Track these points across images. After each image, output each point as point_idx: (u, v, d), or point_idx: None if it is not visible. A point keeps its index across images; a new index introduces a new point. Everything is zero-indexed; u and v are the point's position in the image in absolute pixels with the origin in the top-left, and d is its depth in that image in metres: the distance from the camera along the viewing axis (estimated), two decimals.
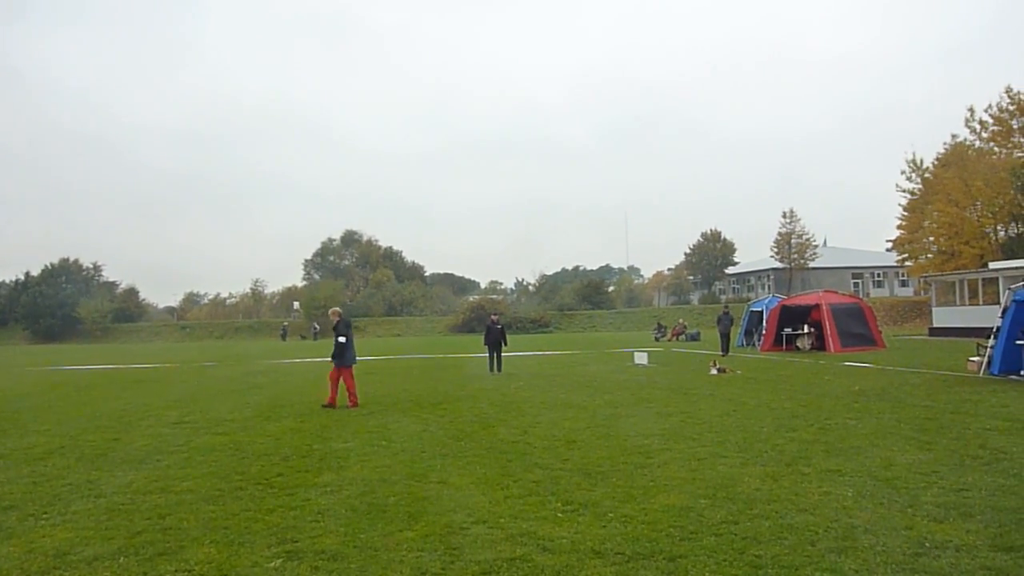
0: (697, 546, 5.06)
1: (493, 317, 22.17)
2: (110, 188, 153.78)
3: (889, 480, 6.82)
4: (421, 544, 5.26)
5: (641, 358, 22.72)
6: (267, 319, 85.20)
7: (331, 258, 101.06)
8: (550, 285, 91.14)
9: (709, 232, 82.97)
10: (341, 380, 13.48)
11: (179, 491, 7.02)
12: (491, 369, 20.68)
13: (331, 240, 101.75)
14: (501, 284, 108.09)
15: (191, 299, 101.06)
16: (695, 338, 40.52)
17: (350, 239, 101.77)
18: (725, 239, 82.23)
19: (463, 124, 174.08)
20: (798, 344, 27.85)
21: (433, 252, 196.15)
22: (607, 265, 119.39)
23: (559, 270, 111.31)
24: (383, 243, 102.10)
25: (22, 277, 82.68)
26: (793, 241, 68.50)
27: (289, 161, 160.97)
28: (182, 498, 6.73)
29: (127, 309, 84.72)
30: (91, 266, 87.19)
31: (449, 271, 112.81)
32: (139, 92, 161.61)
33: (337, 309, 14.74)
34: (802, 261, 68.22)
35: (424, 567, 4.79)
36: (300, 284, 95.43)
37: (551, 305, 79.05)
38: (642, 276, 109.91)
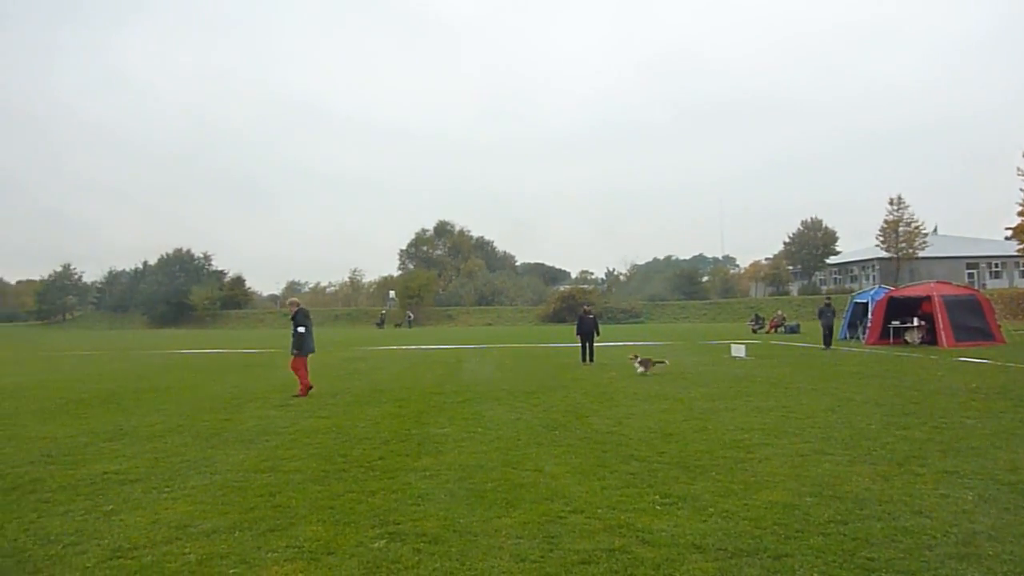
0: (803, 545, 4.90)
1: (585, 307, 22.09)
2: (216, 183, 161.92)
3: (1014, 484, 6.40)
4: (519, 531, 5.30)
5: (738, 350, 22.15)
6: (364, 307, 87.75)
7: (424, 248, 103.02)
8: (641, 275, 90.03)
9: (810, 220, 79.83)
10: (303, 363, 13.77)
11: (287, 471, 7.33)
12: (583, 359, 20.62)
13: (424, 231, 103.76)
14: (592, 274, 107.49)
15: (292, 287, 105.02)
16: (794, 330, 39.11)
17: (442, 229, 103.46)
18: (826, 227, 78.93)
19: (547, 113, 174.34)
20: (907, 338, 26.49)
21: (524, 242, 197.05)
22: (700, 254, 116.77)
23: (650, 260, 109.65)
24: (474, 233, 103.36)
25: (140, 267, 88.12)
26: (901, 229, 65.09)
27: (380, 156, 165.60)
28: (290, 477, 7.03)
29: (234, 296, 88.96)
30: (202, 256, 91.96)
31: (540, 261, 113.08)
32: (237, 95, 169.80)
33: (295, 300, 15.00)
34: (910, 250, 64.75)
35: (523, 554, 4.83)
36: (395, 273, 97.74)
37: (642, 295, 78.09)
38: (737, 266, 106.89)
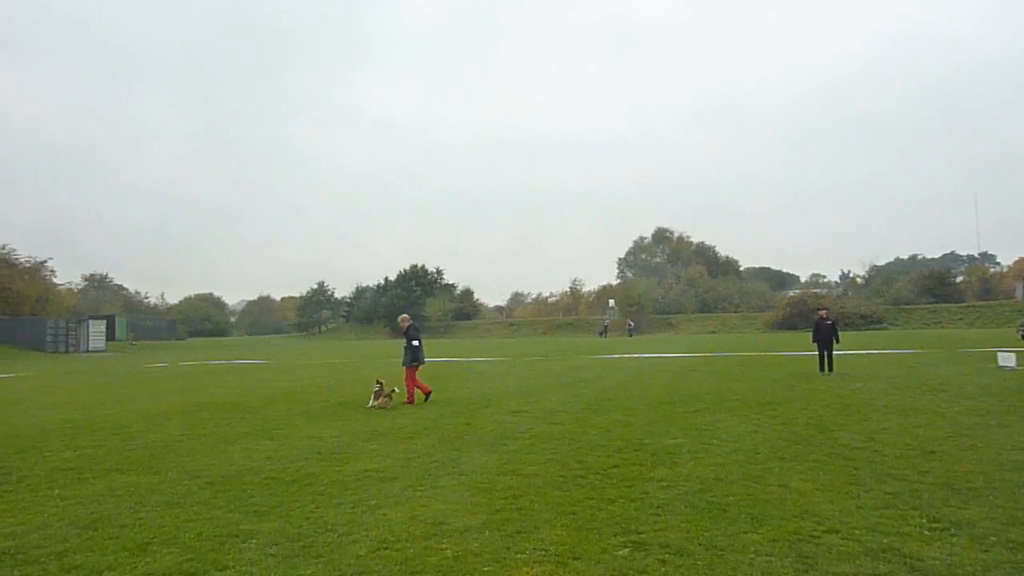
0: None
1: (821, 313, 20.62)
2: (445, 203, 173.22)
3: None
4: (769, 548, 5.06)
5: (1008, 359, 19.50)
6: (584, 316, 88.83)
7: (643, 256, 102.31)
8: (882, 277, 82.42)
9: None
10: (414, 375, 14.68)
11: (527, 475, 7.59)
12: (821, 369, 19.28)
13: (642, 238, 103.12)
14: (824, 277, 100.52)
15: (517, 299, 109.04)
16: None
17: (661, 236, 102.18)
18: None
19: (761, 110, 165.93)
20: None
21: (748, 247, 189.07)
22: (952, 252, 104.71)
23: (892, 259, 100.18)
24: (694, 239, 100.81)
25: (382, 282, 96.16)
26: None
27: (592, 167, 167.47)
28: (531, 481, 7.27)
29: (464, 308, 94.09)
30: (435, 271, 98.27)
31: (765, 265, 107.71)
32: (450, 115, 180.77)
33: (405, 316, 16.02)
34: None
35: (775, 572, 4.61)
36: (614, 282, 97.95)
37: (884, 299, 71.43)
38: (998, 264, 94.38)
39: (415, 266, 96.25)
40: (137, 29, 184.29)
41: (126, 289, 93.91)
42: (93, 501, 7.00)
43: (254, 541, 5.55)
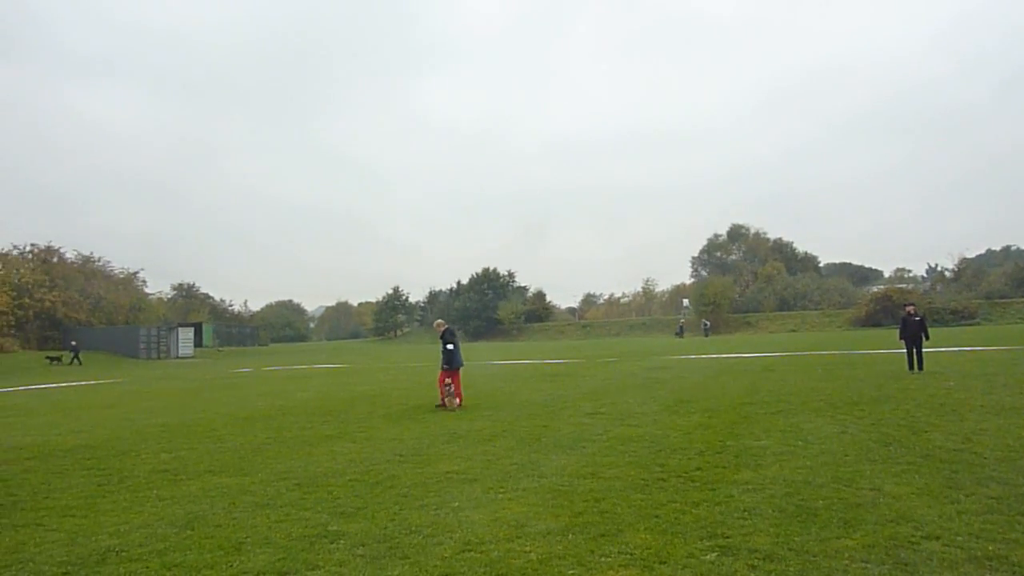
0: None
1: (909, 308, 19.77)
2: (515, 208, 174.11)
3: None
4: (865, 555, 4.88)
5: None
6: (658, 316, 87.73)
7: (718, 254, 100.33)
8: (973, 269, 78.53)
9: None
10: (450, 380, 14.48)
11: (607, 477, 7.53)
12: (911, 367, 18.48)
13: (717, 236, 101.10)
14: (909, 271, 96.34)
15: (589, 300, 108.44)
16: None
17: (736, 233, 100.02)
18: None
19: (841, 104, 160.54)
20: None
21: (827, 241, 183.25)
22: None
23: (983, 251, 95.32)
24: (771, 235, 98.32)
25: (455, 286, 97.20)
26: None
27: (660, 163, 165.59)
28: (611, 484, 7.22)
29: (536, 310, 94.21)
30: (507, 274, 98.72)
31: (846, 260, 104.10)
32: (515, 118, 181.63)
33: (441, 321, 16.35)
34: None
35: None
36: (688, 281, 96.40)
37: (975, 293, 68.06)
38: None
39: (487, 269, 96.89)
40: (215, 50, 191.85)
41: (212, 298, 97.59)
42: (189, 501, 7.30)
43: (342, 541, 5.68)
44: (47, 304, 61.29)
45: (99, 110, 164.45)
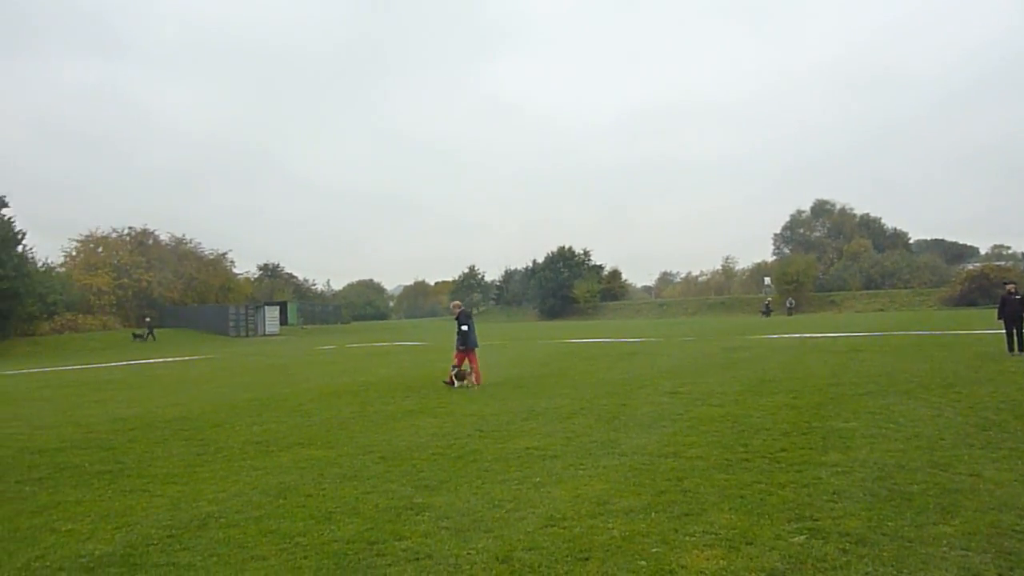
0: None
1: (1009, 287, 18.70)
2: (589, 186, 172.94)
3: None
4: (964, 542, 4.68)
5: None
6: (738, 295, 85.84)
7: (801, 231, 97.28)
8: None
9: None
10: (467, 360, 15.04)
11: (689, 457, 7.45)
12: (1011, 348, 17.52)
13: (800, 212, 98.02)
14: (1008, 248, 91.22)
15: (665, 278, 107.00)
16: None
17: (821, 209, 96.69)
18: None
19: (921, 76, 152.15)
20: None
21: (917, 217, 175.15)
22: None
23: None
24: (858, 211, 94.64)
25: (531, 265, 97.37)
26: None
27: (740, 137, 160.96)
28: (693, 464, 7.14)
29: (612, 289, 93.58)
30: (582, 252, 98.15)
31: (939, 237, 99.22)
32: (590, 96, 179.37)
33: (457, 302, 16.76)
34: None
35: (974, 568, 4.26)
36: (770, 259, 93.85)
37: None
38: None
39: (562, 248, 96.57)
40: (295, 38, 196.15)
41: (295, 277, 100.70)
42: (280, 472, 7.60)
43: (427, 514, 5.82)
44: (144, 284, 64.64)
45: (184, 100, 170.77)
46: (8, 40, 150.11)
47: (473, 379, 14.93)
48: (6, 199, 49.09)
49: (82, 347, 46.75)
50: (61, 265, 61.63)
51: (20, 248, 48.47)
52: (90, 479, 7.66)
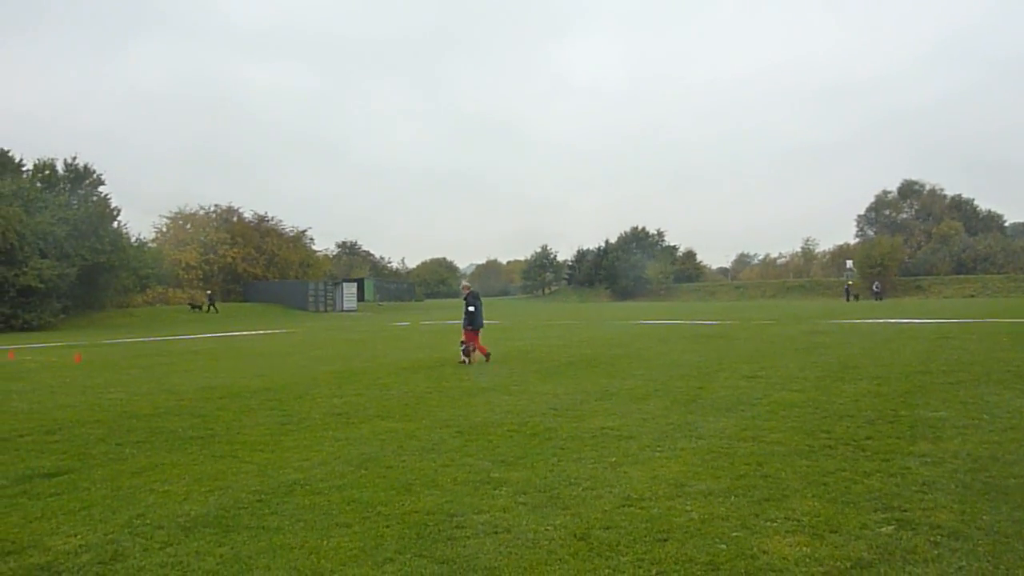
0: None
1: None
2: (663, 167, 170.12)
3: None
4: None
5: None
6: (818, 278, 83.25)
7: (887, 212, 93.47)
8: None
9: None
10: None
11: (769, 442, 7.31)
12: None
13: (886, 193, 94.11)
14: None
15: (742, 260, 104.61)
16: None
17: (908, 190, 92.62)
18: None
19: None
20: None
21: (1015, 198, 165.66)
22: None
23: None
24: (948, 192, 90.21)
25: (603, 245, 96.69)
26: None
27: (818, 119, 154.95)
28: (773, 449, 7.00)
29: (686, 270, 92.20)
30: (655, 233, 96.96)
31: None
32: (663, 76, 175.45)
33: (467, 284, 18.43)
34: None
35: None
36: (853, 241, 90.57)
37: None
38: None
39: (635, 228, 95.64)
40: (364, 25, 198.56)
41: (372, 255, 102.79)
42: (361, 443, 7.82)
43: (505, 489, 5.89)
44: (228, 260, 67.15)
45: (267, 82, 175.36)
46: (126, 26, 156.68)
47: (479, 354, 15.92)
48: (102, 177, 51.69)
49: (172, 319, 48.97)
50: (152, 240, 64.56)
51: (115, 224, 51.04)
52: (184, 444, 8.05)
